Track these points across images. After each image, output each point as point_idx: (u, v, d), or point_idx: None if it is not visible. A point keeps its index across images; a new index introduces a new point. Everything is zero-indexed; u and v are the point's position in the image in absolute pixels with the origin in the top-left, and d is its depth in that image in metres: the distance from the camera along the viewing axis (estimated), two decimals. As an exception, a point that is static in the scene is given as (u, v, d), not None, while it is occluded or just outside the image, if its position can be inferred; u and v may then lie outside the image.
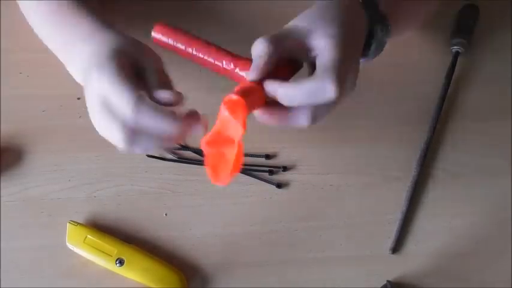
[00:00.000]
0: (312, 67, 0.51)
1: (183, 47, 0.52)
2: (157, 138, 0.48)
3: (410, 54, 0.75)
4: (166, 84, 0.51)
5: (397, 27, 0.59)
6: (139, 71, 0.51)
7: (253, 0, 0.76)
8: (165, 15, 0.75)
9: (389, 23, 0.57)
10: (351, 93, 0.52)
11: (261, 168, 0.67)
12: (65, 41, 0.59)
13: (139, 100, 0.46)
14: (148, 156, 0.66)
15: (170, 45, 0.52)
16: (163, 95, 0.48)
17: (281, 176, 0.67)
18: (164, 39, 0.53)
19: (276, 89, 0.49)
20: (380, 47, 0.58)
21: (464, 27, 0.76)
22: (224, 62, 0.51)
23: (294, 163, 0.68)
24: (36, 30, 0.64)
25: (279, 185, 0.67)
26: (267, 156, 0.68)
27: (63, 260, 0.62)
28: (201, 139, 0.49)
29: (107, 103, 0.48)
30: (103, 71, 0.48)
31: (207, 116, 0.49)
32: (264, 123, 0.51)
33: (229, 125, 0.47)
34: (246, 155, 0.68)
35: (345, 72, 0.49)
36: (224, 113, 0.47)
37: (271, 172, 0.67)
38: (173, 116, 0.47)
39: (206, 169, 0.50)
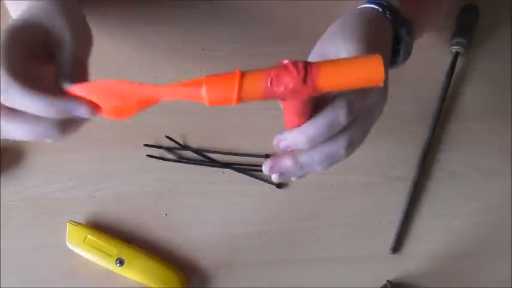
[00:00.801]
0: None
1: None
2: (35, 121, 0.43)
3: (411, 54, 0.75)
4: (78, 76, 0.45)
5: (419, 27, 0.57)
6: (53, 46, 0.46)
7: (254, 0, 0.76)
8: (166, 15, 0.75)
9: (412, 25, 0.55)
10: (382, 104, 0.51)
11: (261, 168, 0.67)
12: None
13: (10, 78, 0.41)
14: (148, 156, 0.66)
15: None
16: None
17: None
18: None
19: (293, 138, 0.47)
20: (408, 51, 0.57)
21: (464, 27, 0.76)
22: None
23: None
24: None
25: (279, 185, 0.67)
26: (267, 156, 0.68)
27: (63, 260, 0.62)
28: None
29: None
30: None
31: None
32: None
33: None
34: (246, 155, 0.68)
35: (359, 93, 0.46)
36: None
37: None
38: (49, 97, 0.42)
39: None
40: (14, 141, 0.67)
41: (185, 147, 0.67)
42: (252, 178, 0.67)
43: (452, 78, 0.73)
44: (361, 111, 0.47)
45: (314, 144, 0.46)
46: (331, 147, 0.47)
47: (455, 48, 0.74)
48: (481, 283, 0.64)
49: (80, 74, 0.46)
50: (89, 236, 0.61)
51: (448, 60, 0.74)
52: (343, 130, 0.46)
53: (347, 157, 0.48)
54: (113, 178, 0.66)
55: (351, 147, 0.47)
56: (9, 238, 0.63)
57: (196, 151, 0.67)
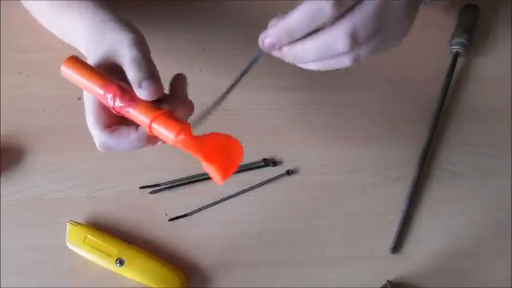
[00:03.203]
0: None
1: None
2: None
3: (411, 54, 0.75)
4: (148, 74, 0.50)
5: None
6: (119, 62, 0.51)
7: (254, 0, 0.76)
8: (165, 15, 0.75)
9: None
10: (399, 17, 0.46)
11: (261, 168, 0.67)
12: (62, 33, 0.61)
13: (105, 139, 0.50)
14: (141, 187, 0.66)
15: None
16: (140, 92, 0.48)
17: (281, 176, 0.67)
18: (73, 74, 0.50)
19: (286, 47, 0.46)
20: None
21: (464, 27, 0.76)
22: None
23: (294, 163, 0.68)
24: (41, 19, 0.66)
25: (289, 172, 0.67)
26: (265, 160, 0.68)
27: (63, 260, 0.62)
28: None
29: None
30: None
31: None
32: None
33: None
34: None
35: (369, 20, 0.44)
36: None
37: (274, 164, 0.67)
38: (136, 141, 0.49)
39: (207, 169, 0.50)
40: (14, 141, 0.67)
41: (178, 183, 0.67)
42: (252, 178, 0.67)
43: (452, 78, 0.73)
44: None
45: (295, 35, 0.45)
46: (325, 36, 0.45)
47: (455, 48, 0.75)
48: (481, 283, 0.64)
49: (153, 70, 0.50)
50: (89, 236, 0.61)
51: (448, 60, 0.74)
52: (341, 20, 0.44)
53: (351, 62, 0.46)
54: (112, 178, 0.66)
55: (354, 41, 0.44)
56: (9, 238, 0.63)
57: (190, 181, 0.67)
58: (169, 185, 0.66)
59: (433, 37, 0.77)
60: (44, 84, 0.70)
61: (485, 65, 0.76)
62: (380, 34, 0.46)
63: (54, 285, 0.61)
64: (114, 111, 0.49)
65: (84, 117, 0.69)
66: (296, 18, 0.44)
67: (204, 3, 0.76)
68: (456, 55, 0.74)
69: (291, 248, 0.64)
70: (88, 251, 0.61)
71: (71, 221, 0.62)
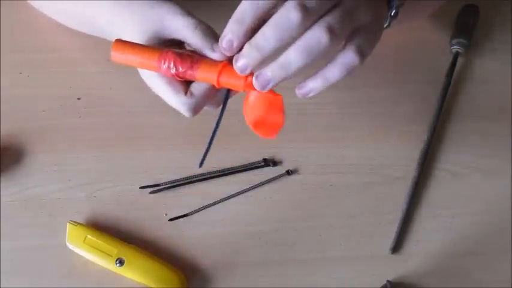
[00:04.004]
0: None
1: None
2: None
3: (411, 54, 0.75)
4: (214, 35, 0.51)
5: None
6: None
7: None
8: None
9: None
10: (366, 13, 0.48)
11: (260, 168, 0.67)
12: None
13: (194, 102, 0.52)
14: (141, 187, 0.66)
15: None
16: (215, 55, 0.50)
17: (281, 176, 0.67)
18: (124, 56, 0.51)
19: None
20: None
21: (464, 27, 0.76)
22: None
23: (294, 163, 0.68)
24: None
25: (289, 172, 0.67)
26: (264, 161, 0.68)
27: (63, 260, 0.62)
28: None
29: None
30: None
31: None
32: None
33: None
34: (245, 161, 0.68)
35: None
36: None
37: (274, 164, 0.67)
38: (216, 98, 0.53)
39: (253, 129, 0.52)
40: (14, 141, 0.67)
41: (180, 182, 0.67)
42: (252, 178, 0.67)
43: (452, 78, 0.73)
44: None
45: (268, 51, 0.45)
46: (307, 35, 0.45)
47: (455, 48, 0.75)
48: (481, 283, 0.64)
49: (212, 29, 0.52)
50: (89, 236, 0.61)
51: (448, 60, 0.74)
52: (320, 19, 0.45)
53: (358, 55, 0.47)
54: (112, 178, 0.66)
55: (331, 32, 0.45)
56: (9, 238, 0.63)
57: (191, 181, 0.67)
58: (169, 185, 0.66)
59: (433, 37, 0.77)
60: (44, 84, 0.70)
61: (485, 65, 0.76)
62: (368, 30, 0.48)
63: (54, 285, 0.61)
64: (177, 78, 0.50)
65: (84, 118, 0.69)
66: (266, 33, 0.45)
67: (205, 3, 0.76)
68: (456, 55, 0.74)
69: (291, 248, 0.64)
70: (88, 251, 0.61)
71: (71, 221, 0.62)
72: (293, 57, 0.45)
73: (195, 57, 0.50)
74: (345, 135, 0.70)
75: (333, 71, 0.48)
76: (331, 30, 0.45)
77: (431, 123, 0.71)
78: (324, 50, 0.45)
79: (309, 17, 0.44)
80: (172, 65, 0.49)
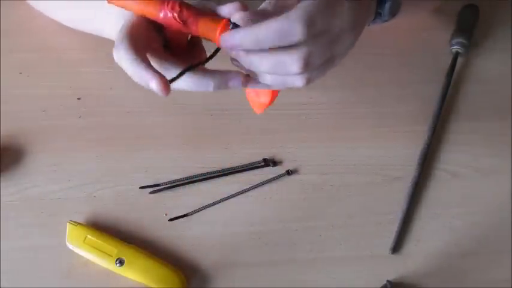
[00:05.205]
0: None
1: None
2: None
3: (411, 54, 0.75)
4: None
5: None
6: None
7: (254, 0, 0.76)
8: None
9: None
10: (351, 35, 0.50)
11: (260, 168, 0.68)
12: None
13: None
14: (141, 187, 0.66)
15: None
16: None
17: (281, 176, 0.67)
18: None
19: (241, 31, 0.47)
20: (396, 6, 0.57)
21: (464, 27, 0.76)
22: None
23: (294, 163, 0.68)
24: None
25: (289, 172, 0.67)
26: (264, 160, 0.68)
27: (63, 260, 0.62)
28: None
29: None
30: None
31: None
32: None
33: None
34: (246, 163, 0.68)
35: (323, 14, 0.47)
36: None
37: (274, 164, 0.67)
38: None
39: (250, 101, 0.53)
40: (14, 141, 0.67)
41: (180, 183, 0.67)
42: (252, 178, 0.67)
43: (452, 78, 0.74)
44: (323, 33, 0.47)
45: (260, 46, 0.46)
46: (283, 55, 0.47)
47: (455, 48, 0.75)
48: (481, 283, 0.64)
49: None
50: (89, 236, 0.61)
51: (448, 60, 0.74)
52: (300, 45, 0.46)
53: (303, 83, 0.49)
54: (112, 178, 0.66)
55: (306, 66, 0.47)
56: (9, 238, 0.63)
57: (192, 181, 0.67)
58: (169, 185, 0.66)
59: (433, 37, 0.77)
60: (44, 84, 0.70)
61: (485, 65, 0.76)
62: (330, 62, 0.50)
63: (54, 285, 0.61)
64: (175, 24, 0.49)
65: (84, 118, 0.69)
66: (266, 32, 0.46)
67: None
68: (456, 55, 0.74)
69: (291, 248, 0.64)
70: (88, 251, 0.61)
71: (71, 221, 0.62)
72: (267, 78, 0.49)
73: (199, 9, 0.49)
74: (345, 135, 0.70)
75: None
76: (306, 64, 0.47)
77: (431, 123, 0.71)
78: (290, 74, 0.48)
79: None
80: (177, 7, 0.48)
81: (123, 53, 0.48)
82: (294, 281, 0.63)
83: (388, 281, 0.63)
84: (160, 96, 0.47)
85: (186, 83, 0.49)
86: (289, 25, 0.45)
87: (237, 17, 0.48)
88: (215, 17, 0.49)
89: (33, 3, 0.71)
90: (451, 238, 0.66)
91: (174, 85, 0.48)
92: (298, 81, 0.49)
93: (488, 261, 0.65)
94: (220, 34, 0.48)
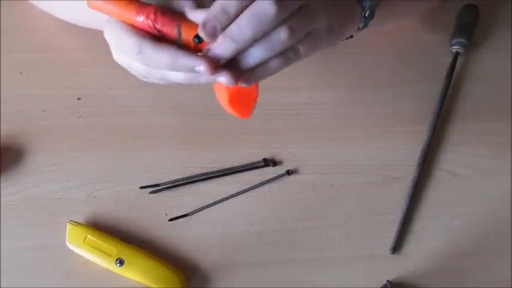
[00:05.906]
0: None
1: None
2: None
3: (411, 55, 0.75)
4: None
5: None
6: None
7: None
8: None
9: None
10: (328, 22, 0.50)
11: (260, 168, 0.68)
12: None
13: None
14: (141, 187, 0.66)
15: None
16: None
17: (281, 176, 0.67)
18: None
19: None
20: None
21: (464, 27, 0.76)
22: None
23: (294, 163, 0.68)
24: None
25: (289, 172, 0.67)
26: (264, 160, 0.68)
27: (63, 260, 0.62)
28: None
29: None
30: None
31: None
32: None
33: None
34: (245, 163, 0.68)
35: None
36: None
37: (274, 164, 0.67)
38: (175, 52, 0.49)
39: (226, 107, 0.51)
40: (14, 141, 0.67)
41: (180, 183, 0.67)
42: (252, 178, 0.67)
43: (452, 78, 0.73)
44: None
45: (230, 13, 0.45)
46: (255, 6, 0.45)
47: (455, 48, 0.75)
48: (481, 283, 0.64)
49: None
50: (89, 236, 0.61)
51: (448, 60, 0.74)
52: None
53: (287, 32, 0.46)
54: (112, 178, 0.66)
55: (292, 34, 0.46)
56: (9, 238, 0.63)
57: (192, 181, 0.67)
58: (169, 185, 0.66)
59: (433, 37, 0.77)
60: (44, 84, 0.70)
61: (485, 65, 0.76)
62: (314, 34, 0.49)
63: (54, 285, 0.61)
64: (151, 31, 0.48)
65: (84, 118, 0.69)
66: (242, 24, 0.45)
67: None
68: (456, 55, 0.74)
69: (291, 248, 0.64)
70: (88, 251, 0.61)
71: (71, 221, 0.62)
72: (256, 51, 0.47)
73: (176, 15, 0.48)
74: (345, 135, 0.70)
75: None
76: (291, 31, 0.46)
77: (431, 123, 0.71)
78: (282, 48, 0.47)
79: (284, 11, 0.46)
80: (152, 16, 0.47)
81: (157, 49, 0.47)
82: (294, 281, 0.63)
83: (388, 281, 0.63)
84: (197, 83, 0.48)
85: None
86: (261, 5, 0.45)
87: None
88: (190, 23, 0.48)
89: (36, 3, 0.71)
90: (451, 238, 0.66)
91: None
92: (283, 32, 0.46)
93: (488, 261, 0.65)
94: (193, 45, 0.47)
